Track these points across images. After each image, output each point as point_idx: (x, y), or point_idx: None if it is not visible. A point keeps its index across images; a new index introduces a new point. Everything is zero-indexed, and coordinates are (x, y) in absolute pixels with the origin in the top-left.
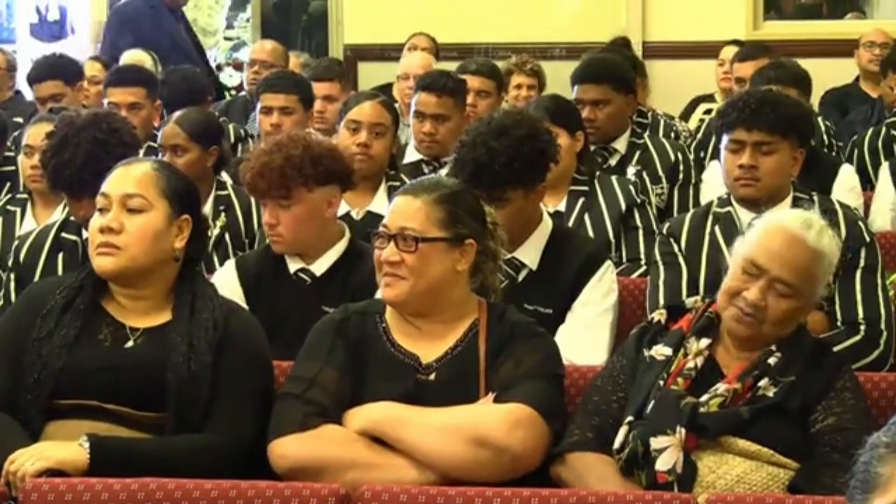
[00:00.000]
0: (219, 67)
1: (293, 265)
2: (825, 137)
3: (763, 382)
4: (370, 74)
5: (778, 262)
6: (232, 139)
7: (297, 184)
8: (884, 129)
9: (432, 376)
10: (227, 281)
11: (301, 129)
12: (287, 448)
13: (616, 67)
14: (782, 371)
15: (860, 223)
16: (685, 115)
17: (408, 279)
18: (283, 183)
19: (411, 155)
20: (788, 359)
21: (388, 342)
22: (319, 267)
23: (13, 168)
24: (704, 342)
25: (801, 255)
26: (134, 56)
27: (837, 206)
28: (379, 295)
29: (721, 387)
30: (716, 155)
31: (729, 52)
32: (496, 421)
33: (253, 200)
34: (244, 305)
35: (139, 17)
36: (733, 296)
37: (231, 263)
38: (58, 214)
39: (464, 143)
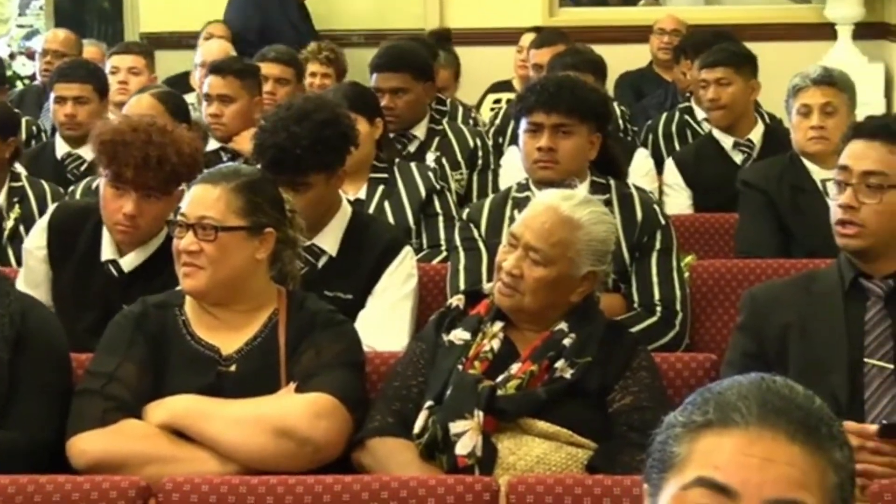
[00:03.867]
0: (11, 56)
1: (106, 252)
2: (620, 122)
3: (560, 364)
4: (167, 63)
5: (529, 230)
6: (24, 135)
7: (178, 182)
8: (677, 114)
9: (233, 367)
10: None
11: (97, 119)
12: (86, 444)
13: (414, 55)
14: (578, 352)
15: (655, 206)
16: (478, 105)
17: (207, 269)
18: (168, 181)
19: (212, 143)
20: (584, 340)
21: (187, 334)
22: (128, 262)
23: None
24: (499, 325)
25: (552, 222)
26: None
27: (633, 190)
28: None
29: (515, 367)
30: (514, 140)
31: (527, 40)
32: (298, 411)
33: (49, 191)
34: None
35: None
36: (498, 270)
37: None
38: None
39: (264, 129)
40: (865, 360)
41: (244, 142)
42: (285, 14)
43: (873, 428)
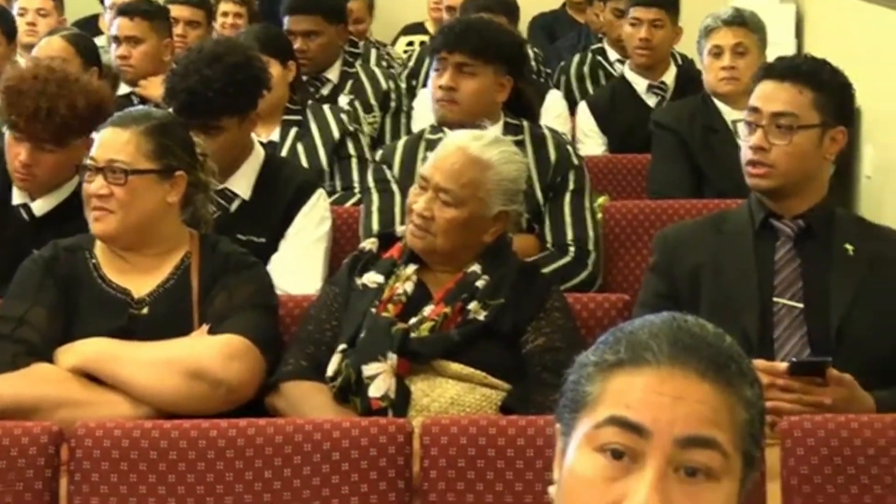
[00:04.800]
0: None
1: (18, 197)
2: (533, 64)
3: (473, 305)
4: (75, 5)
5: (439, 172)
6: None
7: (73, 135)
8: (590, 56)
9: (145, 310)
10: None
11: (4, 62)
12: None
13: None
14: (491, 294)
15: (568, 147)
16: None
17: (117, 213)
18: (58, 134)
19: (123, 88)
20: (497, 281)
21: (98, 277)
22: (39, 207)
23: None
24: (412, 267)
25: (461, 162)
26: None
27: (546, 132)
28: None
29: (428, 309)
30: (427, 83)
31: None
32: (211, 353)
33: None
34: None
35: None
36: (409, 212)
37: None
38: None
39: (175, 73)
40: (775, 299)
41: (153, 86)
42: None
43: (783, 366)
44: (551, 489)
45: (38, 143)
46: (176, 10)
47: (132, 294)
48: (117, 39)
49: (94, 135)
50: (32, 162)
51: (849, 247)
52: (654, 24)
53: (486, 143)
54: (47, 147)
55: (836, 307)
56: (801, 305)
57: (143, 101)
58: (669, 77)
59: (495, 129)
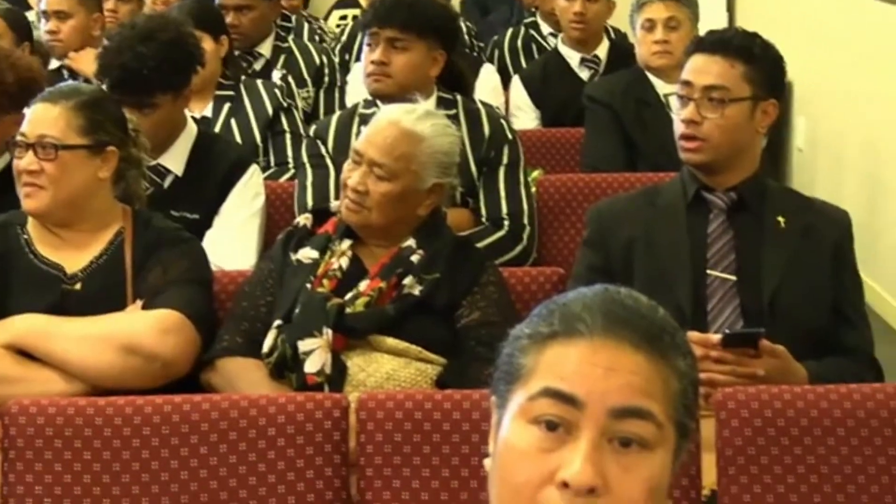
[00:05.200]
0: None
1: None
2: (467, 38)
3: (408, 280)
4: None
5: (372, 146)
6: None
7: (3, 111)
8: (522, 30)
9: (78, 286)
10: None
11: None
12: None
13: None
14: (426, 268)
15: (502, 121)
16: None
17: (48, 189)
18: None
19: (54, 63)
20: (431, 256)
21: (30, 253)
22: None
23: None
24: (347, 243)
25: (394, 136)
26: None
27: (480, 105)
28: None
29: (363, 285)
30: (360, 57)
31: None
32: (145, 328)
33: None
34: None
35: None
36: (344, 187)
37: None
38: None
39: (108, 49)
40: (708, 271)
41: (82, 61)
42: None
43: (716, 337)
44: (487, 462)
45: None
46: None
47: (65, 270)
48: (46, 14)
49: (26, 111)
50: None
51: (781, 219)
52: None
53: (419, 116)
54: None
55: (768, 279)
56: (733, 278)
57: (74, 75)
58: (602, 51)
59: (429, 104)
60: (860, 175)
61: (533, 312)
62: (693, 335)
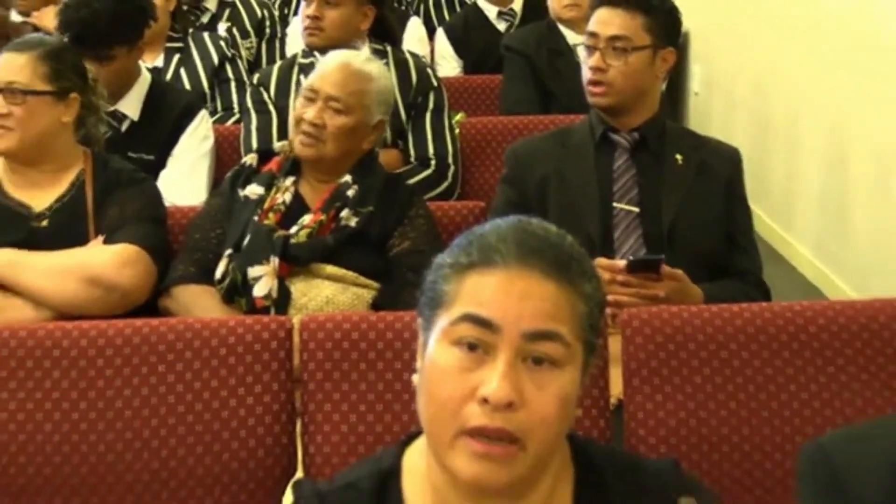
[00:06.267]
0: None
1: None
2: None
3: (345, 213)
4: None
5: (329, 82)
6: None
7: None
8: None
9: (44, 223)
10: None
11: None
12: None
13: None
14: (361, 202)
15: (428, 69)
16: None
17: (16, 130)
18: None
19: (17, 17)
20: (365, 191)
21: (0, 194)
22: None
23: None
24: (290, 179)
25: (348, 74)
26: None
27: (408, 56)
28: None
29: (307, 218)
30: (298, 11)
31: None
32: (106, 260)
33: None
34: None
35: None
36: (298, 123)
37: None
38: None
39: (68, 6)
40: (614, 204)
41: (45, 17)
42: None
43: (622, 263)
44: (415, 378)
45: None
46: None
47: (32, 208)
48: None
49: None
50: None
51: (679, 157)
52: None
53: (365, 58)
54: None
55: (667, 210)
56: (636, 209)
57: (36, 30)
58: (518, 5)
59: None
60: (750, 115)
61: (454, 243)
62: (601, 261)
